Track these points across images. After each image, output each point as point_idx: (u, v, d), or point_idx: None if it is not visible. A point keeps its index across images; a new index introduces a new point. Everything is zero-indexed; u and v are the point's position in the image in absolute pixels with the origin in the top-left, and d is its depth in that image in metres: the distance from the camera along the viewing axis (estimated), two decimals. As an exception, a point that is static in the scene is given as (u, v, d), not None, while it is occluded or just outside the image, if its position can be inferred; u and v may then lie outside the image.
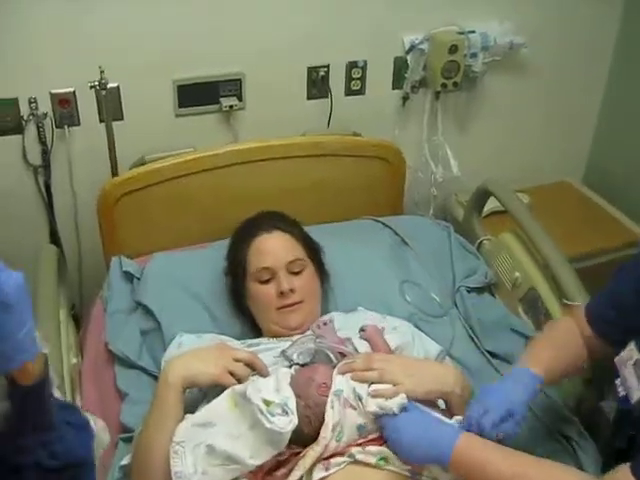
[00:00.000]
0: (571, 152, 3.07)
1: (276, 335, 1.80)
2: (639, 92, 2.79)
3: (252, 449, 1.36)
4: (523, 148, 2.93)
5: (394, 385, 1.46)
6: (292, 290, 1.77)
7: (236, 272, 1.88)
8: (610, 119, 2.96)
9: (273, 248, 1.83)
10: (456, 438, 1.33)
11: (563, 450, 1.72)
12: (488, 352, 1.97)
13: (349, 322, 1.82)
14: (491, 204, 2.40)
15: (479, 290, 2.16)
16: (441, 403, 1.56)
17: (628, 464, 1.25)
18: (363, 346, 1.67)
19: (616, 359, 1.45)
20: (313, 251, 1.92)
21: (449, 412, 1.52)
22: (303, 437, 1.41)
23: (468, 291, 2.12)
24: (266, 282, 1.80)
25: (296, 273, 1.81)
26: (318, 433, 1.41)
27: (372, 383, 1.48)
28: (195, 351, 1.63)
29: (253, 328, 1.90)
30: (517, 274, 2.12)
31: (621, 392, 1.42)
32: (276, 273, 1.79)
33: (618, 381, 1.44)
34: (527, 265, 2.10)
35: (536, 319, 2.05)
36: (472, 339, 2.00)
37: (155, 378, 1.76)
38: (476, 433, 1.36)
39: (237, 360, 1.54)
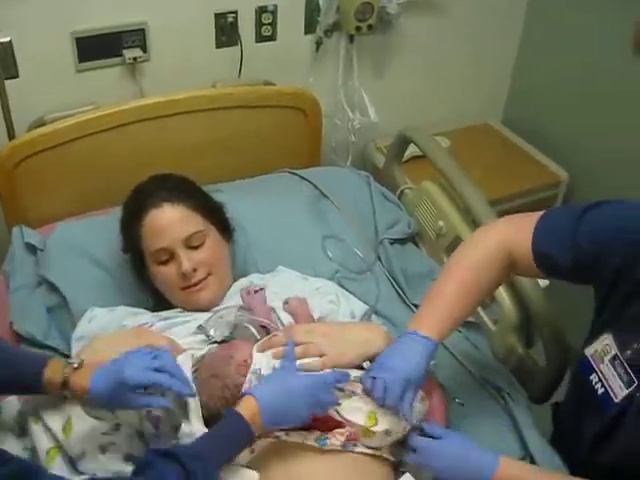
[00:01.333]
0: (490, 93, 3.03)
1: (187, 306, 1.71)
2: (556, 32, 2.76)
3: None
4: (442, 91, 2.88)
5: (320, 357, 1.40)
6: (195, 269, 1.65)
7: (134, 252, 1.76)
8: (528, 59, 2.93)
9: (166, 226, 1.67)
10: (495, 469, 1.32)
11: (494, 401, 1.71)
12: (415, 305, 1.92)
13: (272, 286, 1.75)
14: (412, 148, 2.34)
15: (402, 241, 2.12)
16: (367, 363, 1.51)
17: None
18: (288, 318, 1.62)
19: (589, 353, 1.40)
20: (213, 214, 1.78)
21: None
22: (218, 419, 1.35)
23: (391, 243, 2.07)
24: (166, 262, 1.67)
25: (196, 247, 1.68)
26: None
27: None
28: (110, 336, 1.56)
29: (165, 300, 1.79)
30: (441, 223, 2.07)
31: (599, 389, 1.38)
32: (174, 252, 1.66)
33: (593, 376, 1.39)
34: (451, 213, 2.07)
35: (462, 268, 2.01)
36: (398, 293, 1.95)
37: (64, 356, 1.67)
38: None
39: (152, 346, 1.46)
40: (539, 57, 2.87)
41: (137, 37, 2.23)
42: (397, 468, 1.46)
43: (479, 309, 1.96)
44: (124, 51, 2.22)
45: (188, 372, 1.39)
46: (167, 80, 2.29)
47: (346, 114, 2.61)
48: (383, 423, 1.37)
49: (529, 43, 2.90)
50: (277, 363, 1.39)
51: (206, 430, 1.29)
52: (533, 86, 2.95)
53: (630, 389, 1.31)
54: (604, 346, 1.36)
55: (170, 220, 1.67)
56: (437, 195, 2.12)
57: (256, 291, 1.68)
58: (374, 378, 1.35)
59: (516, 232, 1.46)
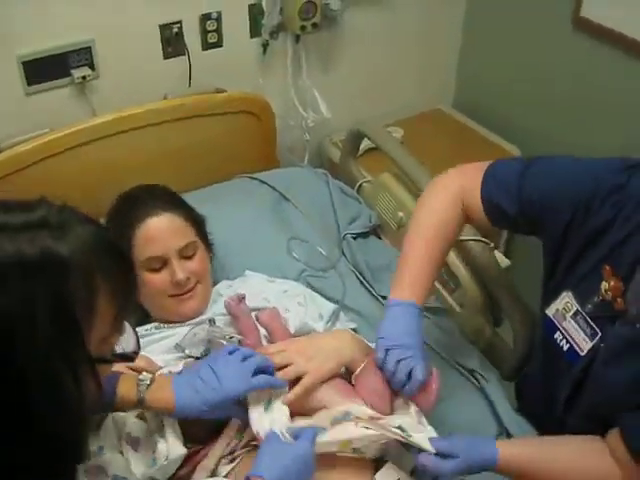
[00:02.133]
0: (439, 79, 3.08)
1: (168, 321, 1.72)
2: (498, 13, 2.82)
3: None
4: (392, 81, 2.91)
5: (301, 376, 1.43)
6: (187, 278, 1.67)
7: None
8: (473, 42, 2.98)
9: (163, 234, 1.68)
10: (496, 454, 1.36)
11: (468, 382, 1.78)
12: (382, 297, 1.96)
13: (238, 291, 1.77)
14: (367, 141, 2.38)
15: (365, 235, 2.16)
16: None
17: (617, 429, 1.31)
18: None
19: (551, 312, 1.46)
20: (200, 227, 1.80)
21: (349, 373, 1.51)
22: (198, 436, 1.38)
23: (354, 237, 2.12)
24: (157, 270, 1.68)
25: (189, 257, 1.71)
26: (215, 430, 1.38)
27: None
28: None
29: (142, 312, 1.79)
30: (400, 214, 2.12)
31: (565, 346, 1.44)
32: (168, 261, 1.67)
33: (557, 335, 1.45)
34: (409, 204, 2.11)
35: (425, 256, 2.06)
36: (364, 287, 1.99)
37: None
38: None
39: (131, 368, 1.45)
40: (483, 39, 2.93)
41: (84, 56, 2.22)
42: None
43: (446, 295, 2.01)
44: (72, 71, 2.22)
45: None
46: (118, 96, 2.29)
47: (299, 113, 2.64)
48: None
49: (472, 26, 2.95)
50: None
51: (184, 450, 1.32)
52: (480, 68, 3.00)
53: (594, 341, 1.38)
54: (565, 304, 1.43)
55: (168, 228, 1.69)
56: (394, 186, 2.16)
57: (240, 300, 1.68)
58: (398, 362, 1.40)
59: (467, 181, 1.54)
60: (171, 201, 1.76)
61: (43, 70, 2.19)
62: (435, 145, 2.80)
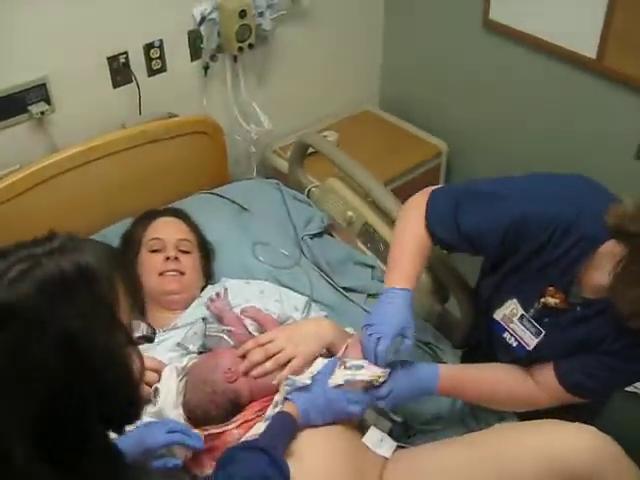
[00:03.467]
0: (365, 83, 3.32)
1: (159, 324, 1.91)
2: (414, 17, 3.06)
3: None
4: (323, 88, 3.12)
5: (290, 360, 1.66)
6: (177, 258, 1.97)
7: (130, 245, 2.05)
8: (393, 45, 3.22)
9: (168, 226, 2.09)
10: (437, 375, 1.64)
11: (426, 355, 2.02)
12: (344, 288, 2.20)
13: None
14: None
15: (320, 235, 2.37)
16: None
17: (551, 368, 1.61)
18: (248, 321, 1.85)
19: (498, 317, 1.73)
20: (204, 250, 2.14)
21: (330, 355, 1.73)
22: (212, 418, 1.59)
23: (311, 238, 2.32)
24: (155, 251, 2.00)
25: (184, 252, 2.03)
26: (228, 412, 1.59)
27: None
28: None
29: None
30: (349, 213, 2.34)
31: (513, 343, 1.71)
32: (166, 245, 2.00)
33: (506, 335, 1.72)
34: (356, 203, 2.34)
35: (376, 248, 2.30)
36: (327, 281, 2.21)
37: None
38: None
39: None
40: (403, 43, 3.16)
41: (40, 92, 2.34)
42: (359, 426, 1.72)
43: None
44: (30, 107, 2.33)
45: (174, 381, 1.63)
46: (76, 126, 2.42)
47: (243, 127, 2.82)
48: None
49: (391, 29, 3.18)
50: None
51: None
52: (401, 69, 3.23)
53: (539, 338, 1.66)
54: (511, 310, 1.70)
55: (173, 224, 2.11)
56: (341, 189, 2.38)
57: (218, 295, 1.92)
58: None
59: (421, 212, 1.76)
60: (183, 213, 2.20)
61: (2, 109, 2.29)
62: (367, 145, 3.02)
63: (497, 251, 1.65)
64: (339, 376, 1.60)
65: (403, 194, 2.83)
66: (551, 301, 1.60)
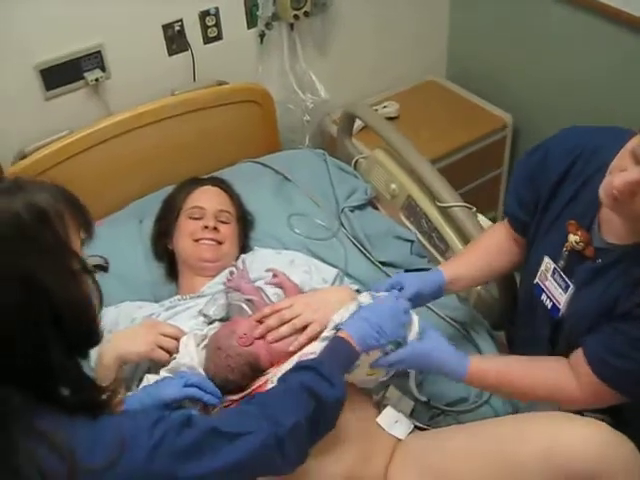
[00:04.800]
0: (431, 52, 3.22)
1: (190, 290, 1.95)
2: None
3: None
4: (384, 57, 3.06)
5: (307, 325, 1.63)
6: (215, 228, 1.98)
7: (171, 210, 2.09)
8: (461, 13, 3.11)
9: (210, 195, 2.09)
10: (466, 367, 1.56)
11: (460, 335, 1.97)
12: (381, 262, 2.16)
13: (252, 265, 1.99)
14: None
15: (362, 207, 2.33)
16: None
17: (581, 354, 1.50)
18: (271, 291, 1.85)
19: (537, 279, 1.65)
20: (243, 221, 2.15)
21: None
22: (229, 384, 1.59)
23: (351, 210, 2.29)
24: (195, 219, 2.01)
25: (222, 222, 2.03)
26: (247, 376, 1.59)
27: None
28: (125, 331, 1.79)
29: (168, 277, 2.09)
30: (393, 186, 2.30)
31: (548, 304, 1.62)
32: (206, 214, 2.01)
33: (543, 296, 1.64)
34: (400, 176, 2.29)
35: (418, 223, 2.25)
36: (364, 254, 2.18)
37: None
38: None
39: (164, 334, 1.70)
40: (469, 9, 3.06)
41: (95, 59, 2.39)
42: (379, 405, 1.70)
43: (438, 256, 2.19)
44: (85, 74, 2.39)
45: (193, 348, 1.64)
46: (129, 93, 2.47)
47: (298, 97, 2.80)
48: None
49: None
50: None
51: None
52: (469, 38, 3.13)
53: (568, 293, 1.56)
54: (546, 265, 1.61)
55: (215, 194, 2.12)
56: (386, 161, 2.34)
57: (231, 274, 1.93)
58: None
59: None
60: (226, 184, 2.19)
61: (59, 76, 2.36)
62: (431, 115, 2.96)
63: (532, 199, 1.63)
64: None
65: (466, 166, 2.82)
66: (573, 239, 1.51)
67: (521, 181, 1.69)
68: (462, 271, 1.77)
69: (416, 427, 1.66)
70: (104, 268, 1.23)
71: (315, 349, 1.52)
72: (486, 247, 1.82)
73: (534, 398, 1.61)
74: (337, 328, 1.52)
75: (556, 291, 1.59)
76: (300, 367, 1.39)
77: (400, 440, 1.61)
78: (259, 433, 1.21)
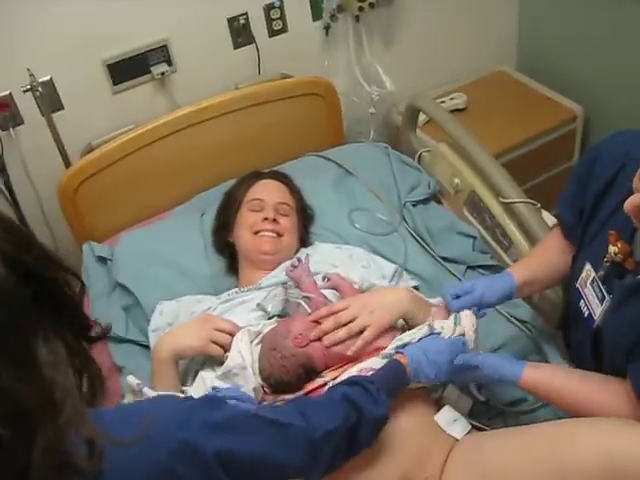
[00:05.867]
0: (500, 41, 3.15)
1: (249, 282, 1.96)
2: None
3: None
4: (452, 49, 3.01)
5: (363, 329, 1.62)
6: (275, 220, 1.99)
7: (232, 203, 2.11)
8: (531, 2, 3.04)
9: (270, 188, 2.10)
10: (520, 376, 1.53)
11: (521, 333, 1.92)
12: (443, 258, 2.13)
13: (312, 258, 1.98)
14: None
15: (425, 201, 2.31)
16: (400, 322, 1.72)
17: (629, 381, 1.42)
18: (327, 291, 1.83)
19: (577, 283, 1.60)
20: (303, 214, 2.15)
21: (409, 327, 1.68)
22: (284, 384, 1.59)
23: (414, 205, 2.27)
24: (255, 211, 2.02)
25: (282, 215, 2.03)
26: (302, 378, 1.59)
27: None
28: (180, 326, 1.81)
29: (229, 271, 2.10)
30: (456, 180, 2.26)
31: (585, 312, 1.58)
32: (265, 206, 2.02)
33: (582, 303, 1.59)
34: (464, 170, 2.25)
35: (481, 218, 2.21)
36: (425, 249, 2.15)
37: (144, 347, 1.96)
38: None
39: (218, 329, 1.70)
40: (540, 0, 2.98)
41: (161, 53, 2.44)
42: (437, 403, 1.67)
43: (501, 252, 2.15)
44: (152, 68, 2.44)
45: (246, 345, 1.64)
46: (195, 86, 2.50)
47: (364, 89, 2.78)
48: None
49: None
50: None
51: None
52: (540, 28, 3.05)
53: (604, 305, 1.50)
54: (587, 272, 1.56)
55: (274, 186, 2.12)
56: (449, 155, 2.30)
57: (297, 264, 1.90)
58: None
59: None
60: (286, 178, 2.20)
61: (126, 70, 2.41)
62: (499, 107, 2.91)
63: (580, 204, 1.59)
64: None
65: (536, 159, 2.77)
66: (612, 250, 1.44)
67: (572, 184, 1.64)
68: (532, 275, 1.73)
69: (474, 427, 1.64)
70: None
71: (374, 365, 1.51)
72: (550, 249, 1.77)
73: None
74: (398, 349, 1.52)
75: (593, 301, 1.54)
76: (349, 382, 1.39)
77: (457, 440, 1.59)
78: (295, 427, 1.21)
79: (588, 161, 1.57)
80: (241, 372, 1.61)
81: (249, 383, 1.59)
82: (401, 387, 1.46)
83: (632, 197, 1.22)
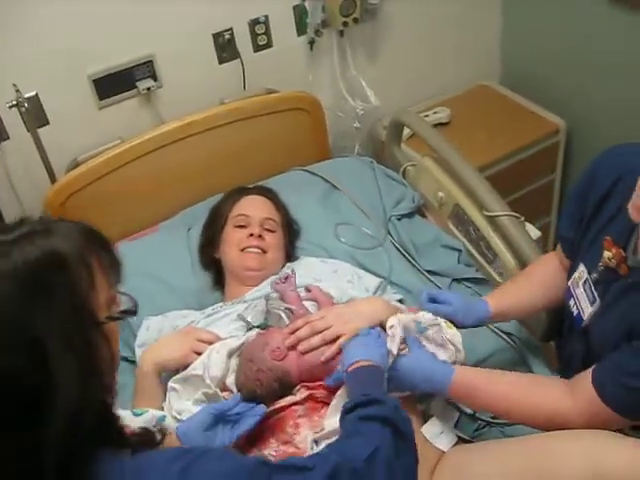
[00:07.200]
0: (482, 56, 3.17)
1: (235, 297, 1.97)
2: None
3: None
4: (435, 63, 3.03)
5: (338, 337, 1.63)
6: (260, 236, 1.99)
7: (217, 219, 2.11)
8: (514, 18, 3.06)
9: (256, 204, 2.11)
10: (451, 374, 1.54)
11: (507, 346, 1.94)
12: (428, 271, 2.15)
13: (297, 272, 1.99)
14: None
15: (410, 215, 2.32)
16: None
17: (589, 371, 1.45)
18: (307, 303, 1.84)
19: (569, 282, 1.63)
20: (288, 228, 2.16)
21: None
22: (256, 397, 1.58)
23: (398, 219, 2.28)
24: (240, 227, 2.03)
25: (268, 230, 2.04)
26: (276, 392, 1.60)
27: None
28: (163, 339, 1.83)
29: (215, 285, 2.11)
30: (440, 194, 2.28)
31: (575, 311, 1.60)
32: (251, 223, 2.03)
33: (571, 301, 1.62)
34: (448, 184, 2.27)
35: (466, 231, 2.23)
36: (410, 262, 2.17)
37: (131, 363, 1.95)
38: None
39: (200, 340, 1.72)
40: (523, 14, 3.01)
41: (147, 69, 2.43)
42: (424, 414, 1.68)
43: (486, 265, 2.17)
44: (137, 83, 2.43)
45: (223, 357, 1.65)
46: (180, 101, 2.50)
47: (348, 103, 2.79)
48: None
49: (512, 2, 3.03)
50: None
51: None
52: (523, 43, 3.07)
53: (594, 307, 1.53)
54: (580, 273, 1.59)
55: (260, 202, 2.13)
56: (434, 169, 2.33)
57: (285, 278, 1.91)
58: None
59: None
60: (272, 193, 2.20)
61: (111, 85, 2.40)
62: (483, 121, 2.93)
63: (580, 214, 1.61)
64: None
65: (519, 172, 2.80)
66: (607, 255, 1.47)
67: (573, 199, 1.66)
68: (507, 308, 1.75)
69: (460, 439, 1.65)
70: (132, 312, 1.14)
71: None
72: (540, 280, 1.78)
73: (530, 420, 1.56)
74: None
75: (584, 301, 1.57)
76: (349, 408, 1.33)
77: (444, 452, 1.60)
78: (324, 465, 1.12)
79: (587, 176, 1.59)
80: (197, 381, 1.64)
81: (200, 388, 1.62)
82: (381, 377, 1.46)
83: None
